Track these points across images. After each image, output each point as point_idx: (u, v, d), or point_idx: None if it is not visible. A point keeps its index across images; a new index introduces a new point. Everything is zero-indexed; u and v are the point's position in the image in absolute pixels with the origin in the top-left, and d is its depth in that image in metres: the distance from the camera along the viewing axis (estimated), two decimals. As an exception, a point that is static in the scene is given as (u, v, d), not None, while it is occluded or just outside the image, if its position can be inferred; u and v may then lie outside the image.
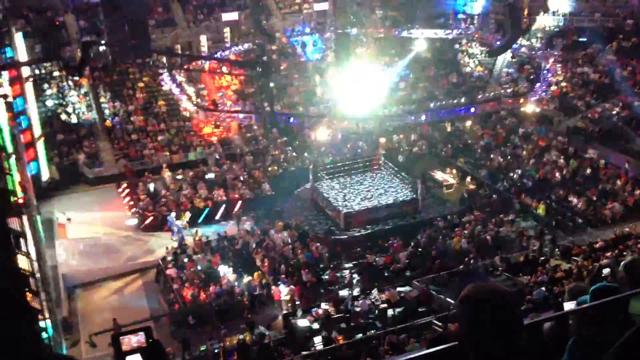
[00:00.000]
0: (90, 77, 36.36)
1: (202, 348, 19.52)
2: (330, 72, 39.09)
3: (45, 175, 30.39)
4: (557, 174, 30.19)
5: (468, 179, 30.79)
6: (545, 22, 40.84)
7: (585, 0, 40.39)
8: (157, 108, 36.42)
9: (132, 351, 3.24)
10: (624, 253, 21.67)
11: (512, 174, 31.00)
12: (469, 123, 36.01)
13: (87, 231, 27.56)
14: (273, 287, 22.89)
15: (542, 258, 23.63)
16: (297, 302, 22.26)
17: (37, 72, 35.46)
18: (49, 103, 34.90)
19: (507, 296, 2.31)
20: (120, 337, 3.22)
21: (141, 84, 37.51)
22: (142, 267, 25.19)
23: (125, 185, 30.90)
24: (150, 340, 3.19)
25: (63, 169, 31.95)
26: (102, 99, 35.95)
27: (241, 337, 19.58)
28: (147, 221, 27.96)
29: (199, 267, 24.00)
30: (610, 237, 24.14)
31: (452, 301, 20.87)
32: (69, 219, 28.11)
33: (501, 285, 2.43)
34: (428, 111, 35.83)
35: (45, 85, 35.44)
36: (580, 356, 3.99)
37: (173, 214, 27.71)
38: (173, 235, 27.18)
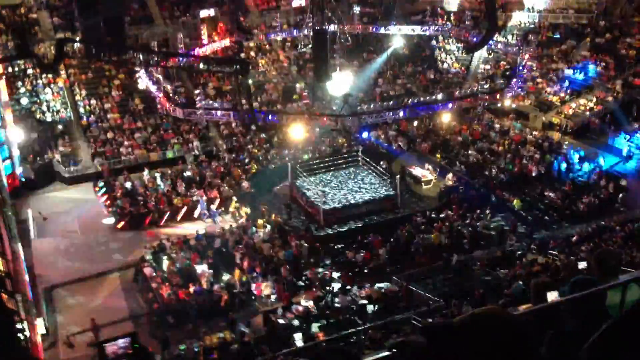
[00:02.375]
0: (65, 76, 35.91)
1: (182, 347, 19.39)
2: (308, 68, 39.10)
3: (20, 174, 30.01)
4: (533, 169, 30.54)
5: (450, 175, 30.92)
6: (520, 18, 41.23)
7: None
8: (133, 106, 36.08)
9: (118, 357, 3.16)
10: (600, 246, 22.08)
11: (489, 169, 31.29)
12: (446, 119, 36.23)
13: (63, 231, 27.25)
14: (254, 283, 22.85)
15: (519, 252, 23.90)
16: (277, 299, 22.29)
17: (10, 69, 34.89)
18: (23, 101, 34.36)
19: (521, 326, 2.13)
20: (105, 344, 3.13)
21: (117, 82, 37.11)
22: (120, 266, 24.94)
23: (101, 184, 30.58)
24: (136, 345, 3.13)
25: (38, 167, 31.52)
26: (77, 97, 35.50)
27: (221, 335, 19.53)
28: (125, 220, 27.70)
29: (177, 266, 23.84)
30: (585, 231, 24.51)
31: (431, 296, 21.07)
32: (45, 218, 27.79)
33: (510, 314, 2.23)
34: (406, 107, 35.95)
35: (19, 83, 34.88)
36: (559, 349, 4.04)
37: (204, 198, 28.03)
38: (204, 218, 27.91)
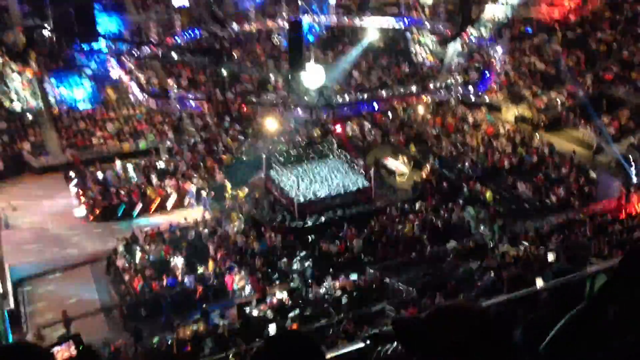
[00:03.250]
0: (35, 65, 35.19)
1: (155, 339, 19.30)
2: (284, 59, 38.91)
3: None
4: (506, 162, 30.91)
5: (427, 166, 31.13)
6: (493, 12, 41.51)
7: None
8: (105, 95, 35.55)
9: None
10: (570, 238, 22.50)
11: (462, 162, 31.59)
12: (421, 111, 36.49)
13: (34, 222, 26.82)
14: (228, 275, 22.78)
15: (491, 244, 24.20)
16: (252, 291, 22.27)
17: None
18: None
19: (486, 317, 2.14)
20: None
21: (88, 71, 36.48)
22: (92, 258, 24.65)
23: (73, 174, 30.13)
24: (81, 347, 3.00)
25: (7, 158, 30.96)
26: (47, 86, 34.83)
27: (195, 327, 19.47)
28: (97, 211, 27.36)
29: (150, 258, 23.65)
30: (556, 223, 24.90)
31: (405, 287, 21.26)
32: (14, 209, 27.32)
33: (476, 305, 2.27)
34: (381, 100, 36.07)
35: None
36: (534, 337, 4.10)
37: (193, 187, 28.15)
38: (193, 207, 27.96)
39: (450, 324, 2.08)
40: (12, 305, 21.28)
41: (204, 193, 28.26)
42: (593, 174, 28.84)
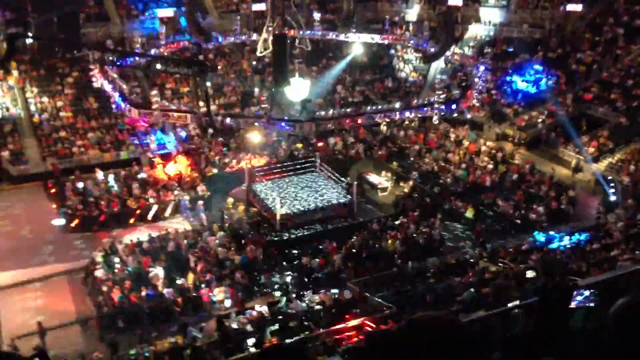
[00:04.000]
0: (17, 73, 34.89)
1: (132, 352, 19.00)
2: (268, 73, 39.00)
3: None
4: (487, 179, 31.14)
5: (409, 181, 31.25)
6: (477, 31, 42.07)
7: (514, 11, 41.90)
8: (87, 104, 35.28)
9: None
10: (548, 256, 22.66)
11: (444, 178, 31.78)
12: (404, 127, 36.67)
13: (11, 231, 26.41)
14: (203, 289, 22.55)
15: (471, 260, 24.30)
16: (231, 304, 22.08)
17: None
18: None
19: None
20: None
21: (70, 79, 36.23)
22: (69, 268, 24.30)
23: (52, 184, 29.76)
24: None
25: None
26: (28, 94, 34.51)
27: (173, 340, 19.22)
28: (76, 221, 27.03)
29: (129, 269, 23.37)
30: (535, 240, 25.08)
31: (385, 302, 21.21)
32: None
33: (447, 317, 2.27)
34: (364, 114, 36.17)
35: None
36: (514, 352, 4.11)
37: (186, 197, 28.15)
38: (185, 217, 28.06)
39: (423, 335, 2.06)
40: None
41: (199, 203, 28.09)
42: (572, 193, 29.15)
